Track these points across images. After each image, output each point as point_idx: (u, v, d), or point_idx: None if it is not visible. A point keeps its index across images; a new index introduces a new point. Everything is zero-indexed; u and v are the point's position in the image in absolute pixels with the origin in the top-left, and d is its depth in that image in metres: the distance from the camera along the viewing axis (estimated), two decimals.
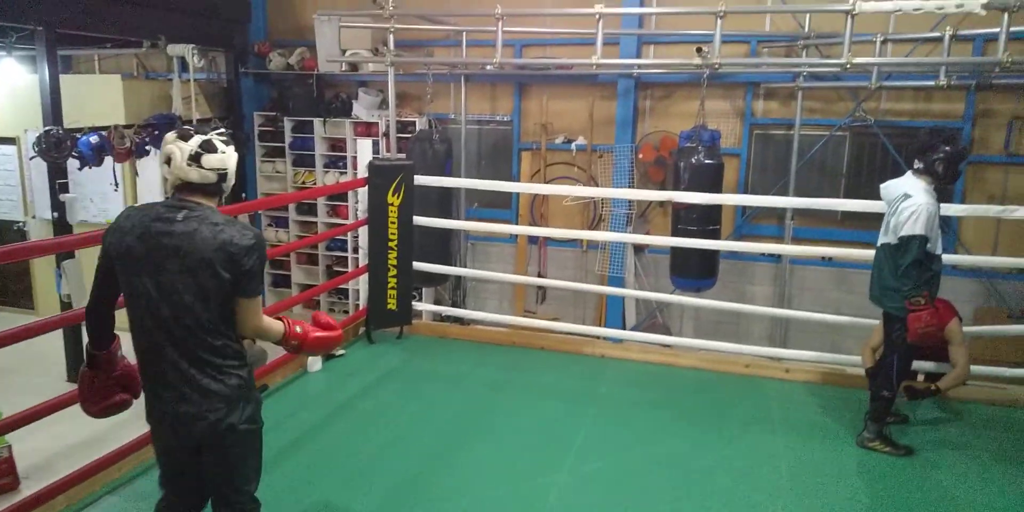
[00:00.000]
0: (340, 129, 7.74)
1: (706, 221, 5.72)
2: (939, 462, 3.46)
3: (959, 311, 4.07)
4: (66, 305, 5.85)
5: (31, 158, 6.04)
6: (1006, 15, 4.31)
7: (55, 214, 6.05)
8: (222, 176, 2.16)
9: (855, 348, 4.16)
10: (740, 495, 3.14)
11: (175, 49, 7.12)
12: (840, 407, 4.02)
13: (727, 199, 5.87)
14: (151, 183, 7.21)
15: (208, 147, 2.14)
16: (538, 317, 7.06)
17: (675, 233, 5.87)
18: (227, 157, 2.18)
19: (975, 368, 4.18)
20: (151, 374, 2.13)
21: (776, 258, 6.64)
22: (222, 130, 2.30)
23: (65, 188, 6.08)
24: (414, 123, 7.46)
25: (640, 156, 6.83)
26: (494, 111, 7.53)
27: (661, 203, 6.87)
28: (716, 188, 5.75)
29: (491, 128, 7.61)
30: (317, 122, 7.74)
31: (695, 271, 5.93)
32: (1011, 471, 3.39)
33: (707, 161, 5.75)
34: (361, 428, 3.67)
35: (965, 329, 4.09)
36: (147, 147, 6.87)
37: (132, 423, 5.24)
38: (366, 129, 7.58)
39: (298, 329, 2.34)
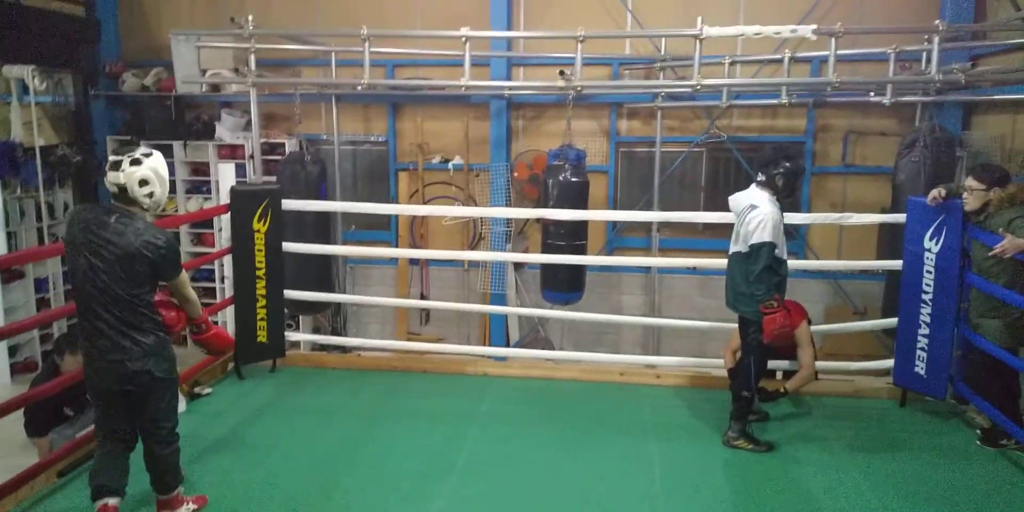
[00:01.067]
0: (202, 153, 7.38)
1: (573, 236, 5.90)
2: (797, 456, 3.69)
3: (809, 311, 4.39)
4: None
5: None
6: (833, 40, 4.73)
7: None
8: (123, 188, 2.72)
9: (721, 351, 4.39)
10: (617, 502, 3.21)
11: (12, 71, 6.57)
12: (707, 408, 4.21)
13: (593, 216, 6.07)
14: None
15: (112, 165, 2.74)
16: (422, 339, 6.99)
17: (544, 248, 6.01)
18: (123, 175, 2.71)
19: (825, 364, 4.52)
20: (89, 330, 2.80)
21: (646, 269, 6.93)
22: (146, 151, 2.81)
23: None
24: (283, 144, 7.23)
25: (515, 174, 6.95)
26: (368, 131, 7.44)
27: (536, 220, 7.01)
28: (582, 204, 5.95)
29: (366, 149, 7.51)
30: (177, 145, 7.34)
31: (563, 285, 6.09)
32: (860, 457, 3.66)
33: (573, 179, 5.93)
34: (228, 471, 3.46)
35: (816, 328, 4.41)
36: None
37: None
38: (231, 152, 7.27)
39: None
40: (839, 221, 4.53)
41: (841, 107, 6.50)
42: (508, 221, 6.86)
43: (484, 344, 6.79)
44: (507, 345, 6.78)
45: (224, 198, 4.81)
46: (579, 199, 5.96)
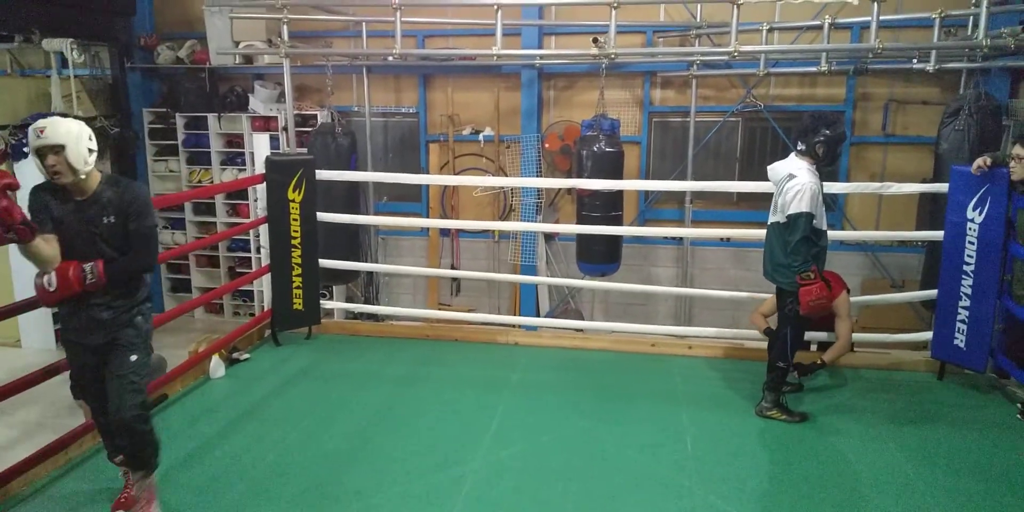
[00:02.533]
0: (236, 124, 7.44)
1: (609, 207, 5.85)
2: (833, 426, 3.67)
3: (847, 283, 4.33)
4: None
5: None
6: (876, 4, 4.57)
7: None
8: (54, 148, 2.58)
9: (749, 318, 4.36)
10: (648, 470, 3.23)
11: (52, 44, 6.67)
12: (740, 379, 4.20)
13: (628, 185, 6.01)
14: (31, 186, 6.72)
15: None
16: (453, 309, 7.05)
17: (579, 220, 5.98)
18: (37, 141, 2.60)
19: (862, 336, 4.47)
20: None
21: (678, 240, 6.87)
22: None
23: None
24: (316, 116, 7.26)
25: (546, 145, 6.90)
26: (399, 103, 7.42)
27: (568, 191, 6.97)
28: (617, 175, 5.88)
29: (397, 120, 7.50)
30: (211, 117, 7.41)
31: (600, 256, 6.06)
32: (897, 430, 3.63)
33: (608, 149, 5.86)
34: (266, 434, 3.56)
35: (853, 299, 4.35)
36: (25, 149, 6.41)
37: (17, 445, 4.94)
38: (264, 123, 7.32)
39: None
40: (879, 191, 4.43)
41: (882, 75, 6.31)
42: (539, 193, 6.84)
43: (514, 315, 6.82)
44: (537, 316, 6.80)
45: (258, 169, 4.86)
46: (614, 170, 5.90)
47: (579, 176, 5.95)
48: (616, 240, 6.06)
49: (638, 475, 3.19)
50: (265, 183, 4.76)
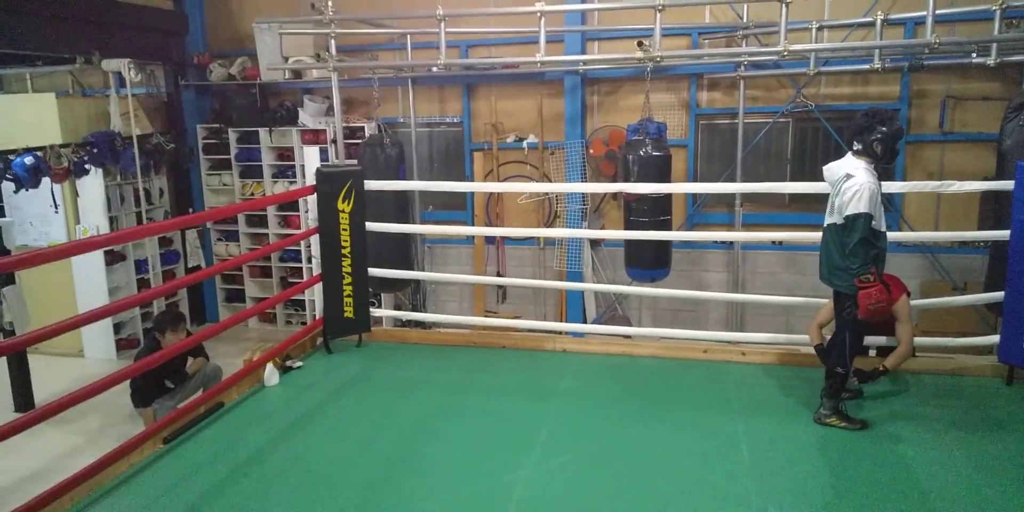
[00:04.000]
0: (287, 138, 7.63)
1: (657, 212, 5.78)
2: (895, 434, 3.54)
3: (907, 286, 4.18)
4: (9, 333, 5.64)
5: None
6: None
7: None
8: None
9: (805, 327, 4.24)
10: (702, 478, 3.16)
11: (110, 64, 6.94)
12: (796, 386, 4.08)
13: (675, 188, 5.94)
14: (93, 203, 7.01)
15: None
16: (499, 316, 7.05)
17: (627, 226, 5.92)
18: None
19: (924, 340, 4.30)
20: None
21: (728, 245, 6.75)
22: None
23: (1, 212, 5.88)
24: (363, 128, 7.39)
25: (591, 151, 6.87)
26: (443, 113, 7.50)
27: (615, 197, 6.92)
28: (664, 179, 5.82)
29: (441, 130, 7.58)
30: (263, 132, 7.61)
31: (649, 262, 5.99)
32: (964, 437, 3.48)
33: (655, 153, 5.81)
34: (319, 441, 3.60)
35: (913, 302, 4.20)
36: (86, 166, 6.69)
37: (81, 452, 5.11)
38: (314, 137, 7.48)
39: None
40: (938, 190, 4.27)
41: (938, 71, 6.11)
42: (584, 199, 6.81)
43: (561, 322, 6.79)
44: (584, 323, 6.76)
45: (308, 181, 4.96)
46: (661, 174, 5.84)
47: (625, 181, 5.91)
48: (665, 245, 5.99)
49: (691, 484, 3.12)
50: (316, 194, 4.85)
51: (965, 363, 4.27)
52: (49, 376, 6.27)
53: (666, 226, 5.84)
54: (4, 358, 5.79)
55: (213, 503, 3.02)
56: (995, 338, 4.12)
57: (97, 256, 6.83)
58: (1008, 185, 4.03)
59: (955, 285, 6.21)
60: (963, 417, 3.71)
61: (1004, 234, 4.02)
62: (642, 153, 5.81)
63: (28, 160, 5.97)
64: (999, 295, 4.12)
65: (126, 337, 7.28)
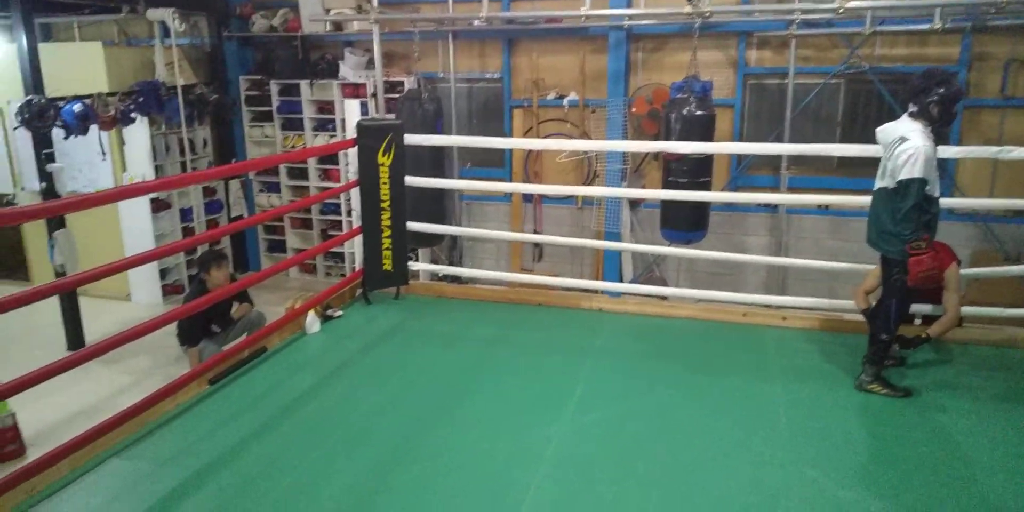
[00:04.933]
0: (327, 91, 7.61)
1: (697, 173, 5.68)
2: (938, 403, 3.49)
3: (957, 255, 4.07)
4: (60, 275, 5.83)
5: (15, 128, 5.94)
6: None
7: (43, 184, 5.99)
8: None
9: (849, 294, 4.16)
10: (738, 441, 3.16)
11: (155, 14, 6.95)
12: (838, 352, 4.04)
13: (719, 148, 5.80)
14: (139, 151, 7.12)
15: None
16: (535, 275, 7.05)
17: (666, 186, 5.83)
18: None
19: (972, 309, 4.20)
20: None
21: (772, 208, 6.61)
22: None
23: (51, 158, 6.01)
24: (402, 83, 7.33)
25: (633, 110, 6.73)
26: (484, 68, 7.39)
27: (655, 157, 6.80)
28: (707, 139, 5.69)
29: (481, 86, 7.48)
30: (304, 84, 7.60)
31: (685, 224, 5.91)
32: (1008, 409, 3.42)
33: (698, 112, 5.67)
34: (359, 388, 3.68)
35: (963, 271, 4.09)
36: (132, 115, 6.77)
37: (129, 391, 5.31)
38: (354, 90, 7.45)
39: None
40: (999, 156, 4.10)
41: (1003, 32, 5.81)
42: (624, 159, 6.71)
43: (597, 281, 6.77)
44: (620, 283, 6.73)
45: (348, 135, 4.96)
46: (704, 134, 5.71)
47: (667, 140, 5.79)
48: (703, 207, 5.90)
49: (727, 446, 3.12)
50: (356, 147, 4.85)
51: (1015, 334, 4.17)
52: (98, 319, 6.49)
53: (705, 188, 5.73)
54: (57, 299, 5.99)
55: (255, 444, 3.13)
56: None
57: (143, 204, 6.97)
58: None
59: (1007, 255, 6.03)
60: (1008, 389, 3.63)
61: None
62: (685, 112, 5.68)
63: (77, 107, 6.06)
64: None
65: (172, 283, 7.48)
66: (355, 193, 5.02)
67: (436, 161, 6.31)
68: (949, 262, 3.84)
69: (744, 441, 3.15)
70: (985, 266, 5.11)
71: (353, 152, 4.91)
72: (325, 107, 7.75)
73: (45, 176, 5.95)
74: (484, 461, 3.01)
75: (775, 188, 6.55)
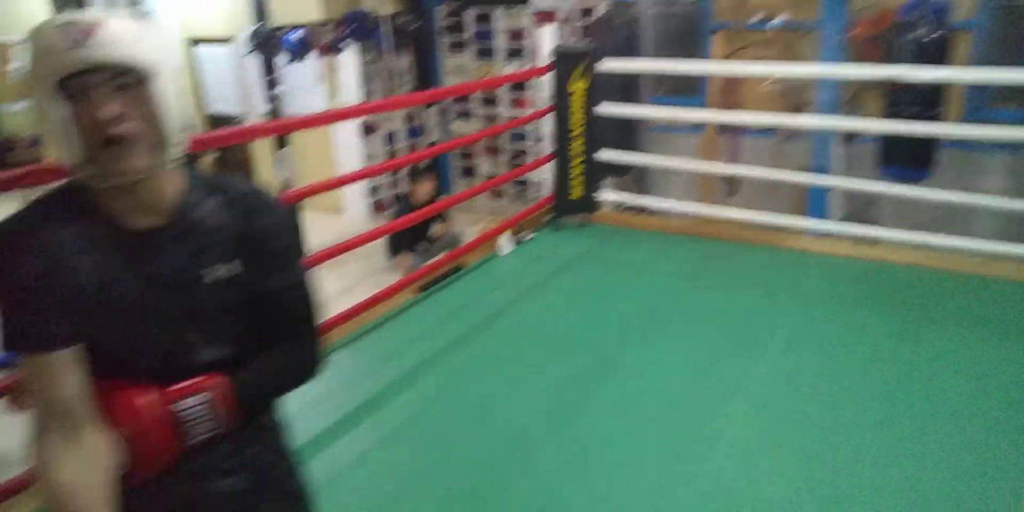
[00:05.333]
0: (519, 19, 7.56)
1: (926, 103, 5.01)
2: None
3: None
4: (285, 188, 6.45)
5: (245, 54, 6.52)
6: None
7: (269, 107, 6.57)
8: None
9: None
10: (971, 401, 2.82)
11: None
12: None
13: (957, 75, 5.06)
14: (348, 77, 7.57)
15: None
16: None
17: (889, 117, 5.22)
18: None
19: None
20: None
21: (1016, 148, 5.73)
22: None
23: (275, 83, 6.55)
24: (594, 9, 7.08)
25: (856, 32, 6.02)
26: None
27: (875, 86, 6.09)
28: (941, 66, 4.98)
29: (677, 9, 7.04)
30: (497, 12, 7.60)
31: (908, 160, 5.28)
32: None
33: (932, 35, 4.95)
34: (553, 306, 3.77)
35: None
36: (343, 43, 7.17)
37: (347, 293, 5.74)
38: (545, 16, 7.30)
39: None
40: None
41: None
42: (838, 88, 6.07)
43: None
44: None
45: (540, 62, 4.91)
46: (937, 60, 5.01)
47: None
48: (929, 143, 5.23)
49: (963, 408, 2.78)
50: (550, 74, 4.81)
51: None
52: (315, 229, 7.13)
53: (937, 120, 5.07)
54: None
55: (461, 348, 3.35)
56: None
57: (353, 127, 7.47)
58: None
59: None
60: None
61: None
62: (913, 36, 4.99)
63: (297, 35, 6.52)
64: None
65: (378, 200, 8.12)
66: (546, 120, 5.01)
67: (627, 89, 6.10)
68: None
69: (978, 402, 2.80)
70: None
71: (546, 79, 4.88)
72: (517, 34, 7.72)
73: (271, 99, 6.52)
74: (680, 388, 2.98)
75: (1022, 125, 5.64)
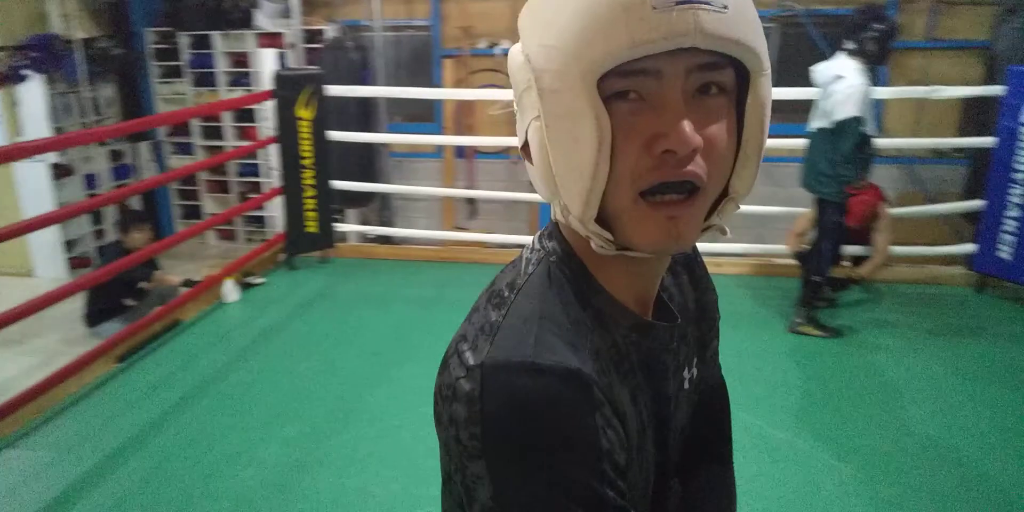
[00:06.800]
0: (242, 42, 7.12)
1: None
2: (869, 341, 3.54)
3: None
4: None
5: None
6: None
7: None
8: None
9: (780, 239, 4.16)
10: None
11: None
12: (770, 297, 4.05)
13: None
14: (34, 113, 6.54)
15: None
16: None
17: None
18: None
19: (898, 249, 4.26)
20: None
21: None
22: None
23: None
24: (323, 32, 6.91)
25: None
26: (411, 15, 7.02)
27: None
28: None
29: (409, 35, 7.12)
30: (216, 36, 7.09)
31: None
32: (936, 344, 3.49)
33: None
34: (285, 357, 3.50)
35: (891, 211, 4.13)
36: (23, 72, 6.19)
37: (35, 373, 4.94)
38: (271, 41, 6.99)
39: None
40: (928, 95, 4.12)
41: None
42: None
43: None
44: None
45: (265, 87, 4.64)
46: None
47: None
48: None
49: None
50: (273, 100, 4.55)
51: (938, 272, 4.26)
52: None
53: None
54: None
55: (170, 424, 2.93)
56: (969, 247, 4.09)
57: (42, 170, 6.44)
58: (998, 90, 3.88)
59: (929, 196, 6.16)
60: (936, 324, 3.71)
61: (987, 141, 3.91)
62: None
63: None
64: (978, 204, 4.05)
65: (79, 255, 6.99)
66: (274, 150, 4.73)
67: (363, 115, 6.01)
68: (878, 200, 3.86)
69: None
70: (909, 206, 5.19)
71: (270, 105, 4.61)
72: (240, 60, 7.26)
73: None
74: (420, 425, 2.89)
75: None
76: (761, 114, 0.62)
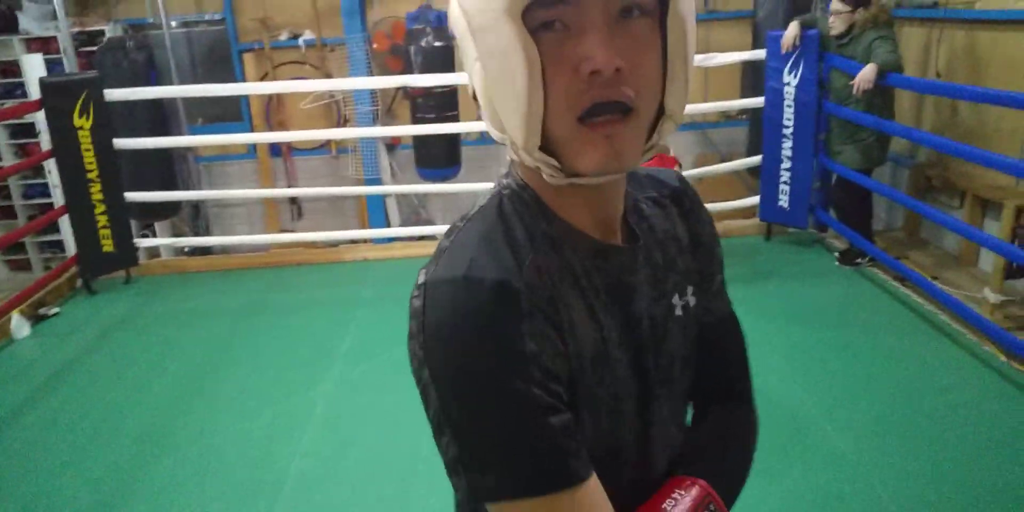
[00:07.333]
0: (8, 50, 6.35)
1: (443, 107, 5.57)
2: None
3: (679, 161, 4.39)
4: None
5: None
6: None
7: None
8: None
9: None
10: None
11: None
12: None
13: (462, 79, 5.72)
14: None
15: None
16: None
17: (415, 123, 5.68)
18: None
19: None
20: None
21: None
22: None
23: None
24: (103, 32, 6.31)
25: (375, 46, 6.39)
26: (201, 9, 6.57)
27: (405, 94, 6.57)
28: (449, 70, 5.57)
29: (202, 30, 6.66)
30: None
31: (440, 160, 5.83)
32: (732, 290, 3.81)
33: (436, 43, 5.50)
34: (87, 389, 3.20)
35: (687, 173, 4.45)
36: None
37: None
38: (42, 46, 6.28)
39: None
40: (703, 63, 4.43)
41: None
42: (374, 99, 6.40)
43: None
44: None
45: (33, 96, 4.17)
46: (446, 66, 5.57)
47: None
48: (454, 142, 5.83)
49: None
50: (43, 111, 4.10)
51: (730, 226, 4.66)
52: None
53: (452, 122, 5.66)
54: None
55: None
56: (756, 199, 4.50)
57: None
58: (761, 54, 4.27)
59: (723, 157, 6.71)
60: (730, 272, 4.02)
61: (759, 101, 4.30)
62: (423, 44, 5.49)
63: None
64: (757, 159, 4.46)
65: None
66: (53, 166, 4.28)
67: (156, 119, 5.57)
68: (672, 165, 4.13)
69: None
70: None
71: (41, 117, 4.15)
72: (9, 69, 6.48)
73: None
74: (242, 440, 2.77)
75: None
76: (683, 31, 0.66)
